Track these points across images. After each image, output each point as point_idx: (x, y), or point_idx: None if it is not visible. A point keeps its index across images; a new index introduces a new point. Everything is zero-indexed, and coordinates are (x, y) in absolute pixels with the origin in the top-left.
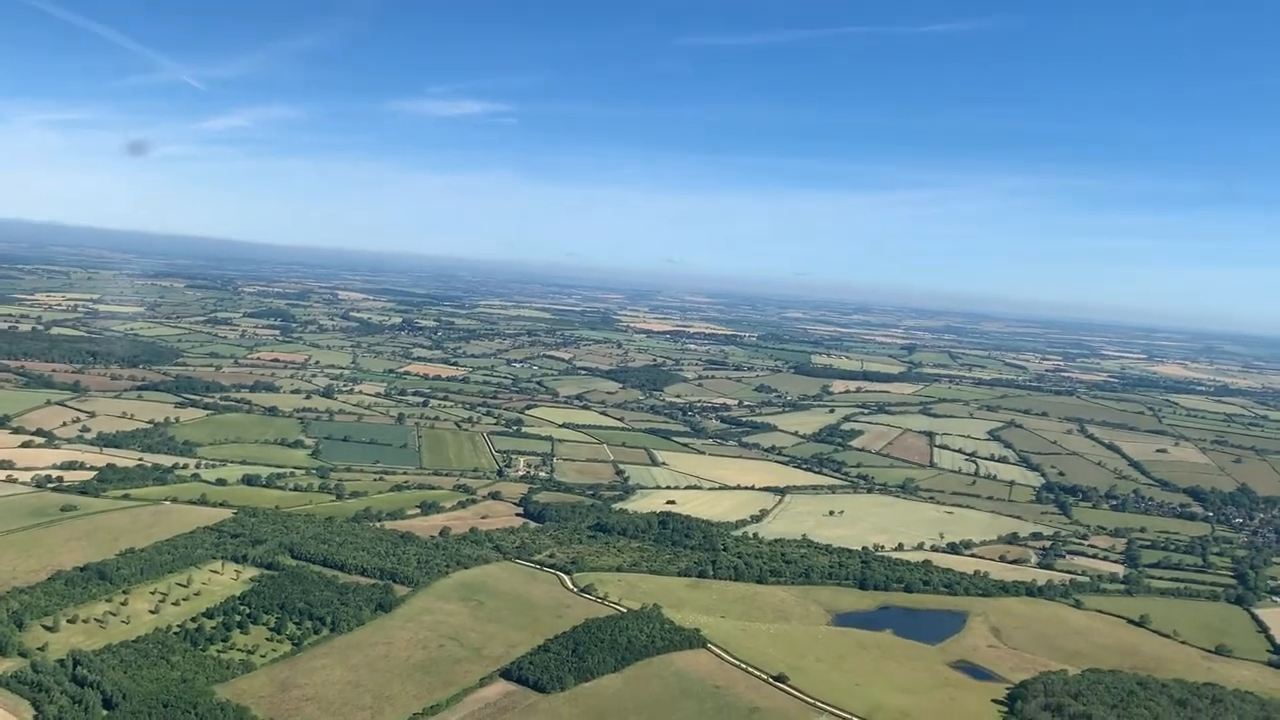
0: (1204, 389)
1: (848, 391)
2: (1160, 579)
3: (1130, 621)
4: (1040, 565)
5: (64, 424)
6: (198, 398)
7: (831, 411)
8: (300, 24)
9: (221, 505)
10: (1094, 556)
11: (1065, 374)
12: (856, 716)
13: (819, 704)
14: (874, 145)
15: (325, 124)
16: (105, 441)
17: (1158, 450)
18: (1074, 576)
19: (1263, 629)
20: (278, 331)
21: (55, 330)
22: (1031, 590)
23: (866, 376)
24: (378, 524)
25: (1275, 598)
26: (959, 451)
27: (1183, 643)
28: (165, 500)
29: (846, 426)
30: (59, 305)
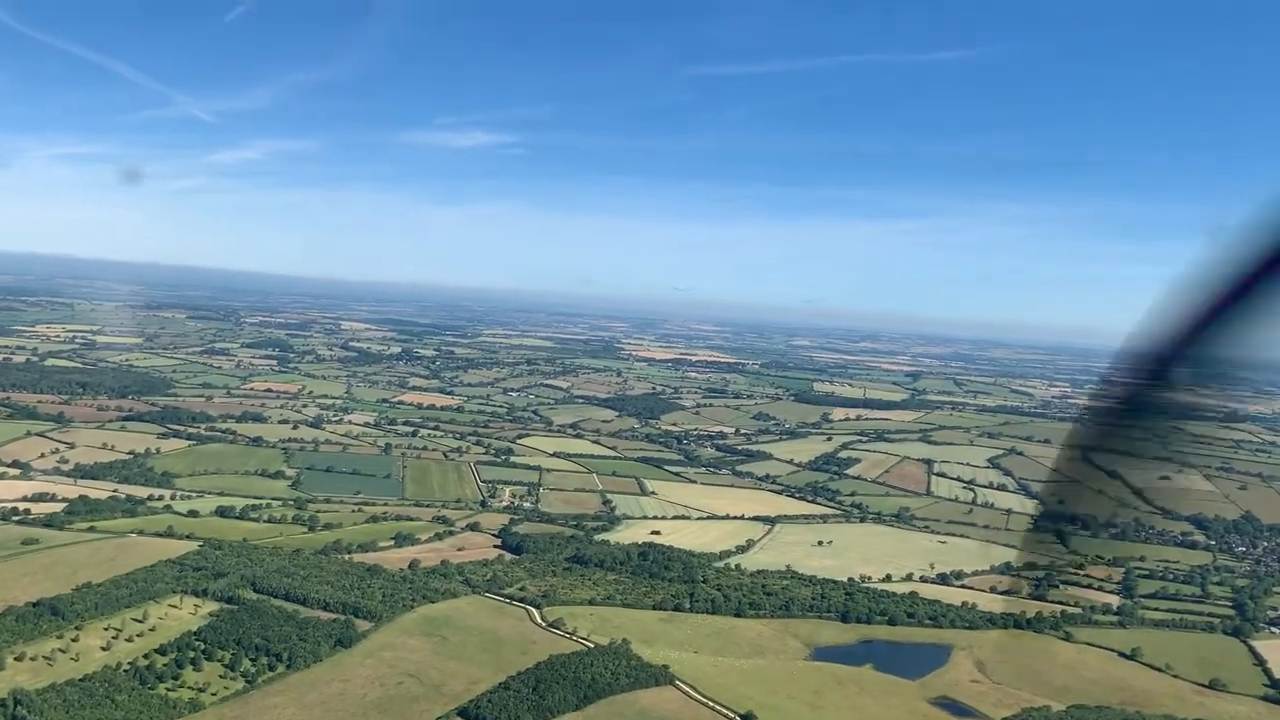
0: (1212, 415)
1: (848, 419)
2: (1156, 610)
3: (1121, 654)
4: (1032, 596)
5: (42, 455)
6: (182, 428)
7: (829, 439)
8: (310, 57)
9: (188, 538)
10: (1089, 587)
11: (1072, 400)
12: None
13: None
14: (881, 173)
15: (335, 156)
16: (81, 473)
17: (1161, 477)
18: (1065, 608)
19: (1259, 662)
20: (274, 362)
21: (50, 361)
22: (1020, 622)
23: (868, 404)
24: (347, 556)
25: (1274, 629)
26: (957, 479)
27: (1175, 676)
28: (131, 533)
29: (843, 454)
30: (58, 337)
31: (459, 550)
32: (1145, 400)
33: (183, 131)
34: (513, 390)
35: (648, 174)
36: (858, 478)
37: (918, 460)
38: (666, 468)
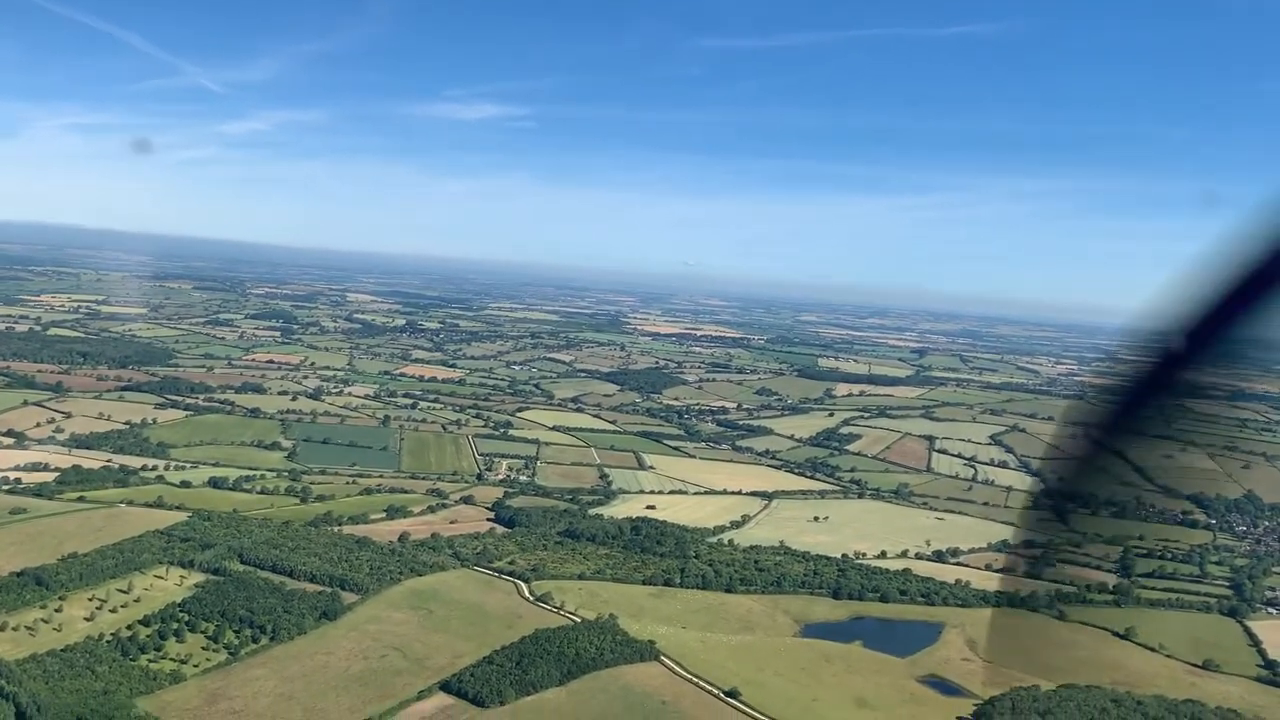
0: (1218, 393)
1: (850, 395)
2: (1153, 589)
3: (1115, 634)
4: (1027, 574)
5: (37, 425)
6: (180, 399)
7: (831, 415)
8: (318, 27)
9: (178, 508)
10: (1085, 565)
11: (1078, 378)
12: None
13: None
14: (891, 148)
15: (344, 127)
16: (76, 443)
17: (1163, 455)
18: (1061, 586)
19: (1254, 642)
20: (278, 333)
21: (52, 331)
22: (1014, 601)
23: (872, 380)
24: (337, 528)
25: (1270, 609)
26: (958, 456)
27: (1168, 656)
28: (120, 503)
29: (845, 430)
30: (62, 306)
31: (451, 523)
32: (1151, 378)
33: (191, 102)
34: (515, 363)
35: (657, 147)
36: (858, 454)
37: (919, 437)
38: (666, 442)
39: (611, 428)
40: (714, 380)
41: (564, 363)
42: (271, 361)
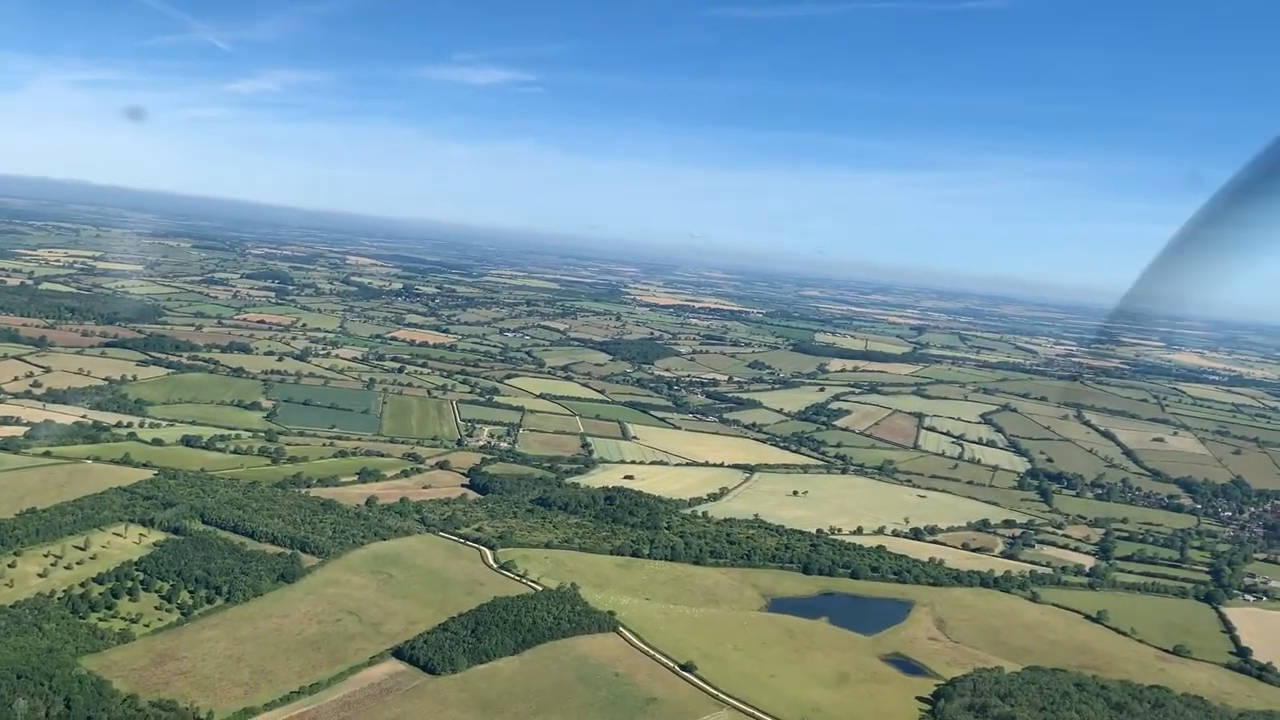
0: (1217, 378)
1: (844, 370)
2: (1130, 573)
3: (1087, 617)
4: (1004, 554)
5: (15, 379)
6: (164, 356)
7: (822, 390)
8: None
9: (144, 466)
10: (1065, 547)
11: (1076, 359)
12: (760, 712)
13: (722, 696)
14: (900, 123)
15: (352, 89)
16: (53, 398)
17: (1154, 439)
18: (1036, 568)
19: (1228, 629)
20: (272, 293)
21: (44, 286)
22: (987, 581)
23: (868, 356)
24: (305, 490)
25: (1247, 596)
26: (946, 434)
27: (1139, 641)
28: (87, 459)
29: (834, 405)
30: (57, 261)
31: (424, 488)
32: (1136, 357)
33: (199, 59)
34: (509, 330)
35: (666, 117)
36: (845, 429)
37: (909, 414)
38: (652, 413)
39: (599, 397)
40: (707, 352)
41: (558, 331)
42: (262, 322)
